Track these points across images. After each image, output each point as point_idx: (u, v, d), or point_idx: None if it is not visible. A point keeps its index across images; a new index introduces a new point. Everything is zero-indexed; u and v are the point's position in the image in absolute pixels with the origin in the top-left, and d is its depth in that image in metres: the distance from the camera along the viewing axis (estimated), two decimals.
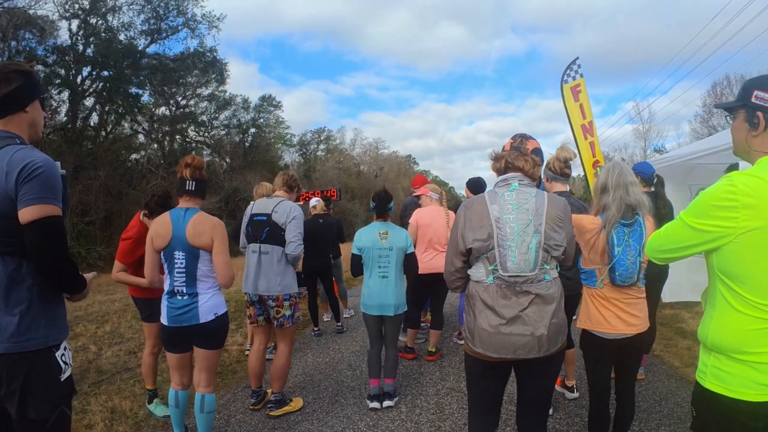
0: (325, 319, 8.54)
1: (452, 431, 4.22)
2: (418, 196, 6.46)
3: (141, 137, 36.43)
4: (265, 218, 4.43)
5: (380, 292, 4.66)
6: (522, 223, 2.45)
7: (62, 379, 2.18)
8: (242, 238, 4.66)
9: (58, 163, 2.20)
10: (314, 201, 7.98)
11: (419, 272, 5.29)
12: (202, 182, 3.61)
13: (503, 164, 2.66)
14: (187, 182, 3.52)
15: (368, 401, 4.74)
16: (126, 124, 34.86)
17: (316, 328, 7.75)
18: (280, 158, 54.01)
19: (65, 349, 2.22)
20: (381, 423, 4.41)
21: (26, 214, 1.97)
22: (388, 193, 4.95)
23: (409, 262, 4.80)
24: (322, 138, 63.51)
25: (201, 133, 42.49)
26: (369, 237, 4.72)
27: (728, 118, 2.01)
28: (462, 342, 6.58)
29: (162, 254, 3.54)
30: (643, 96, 76.34)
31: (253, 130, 47.32)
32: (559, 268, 2.65)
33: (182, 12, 34.39)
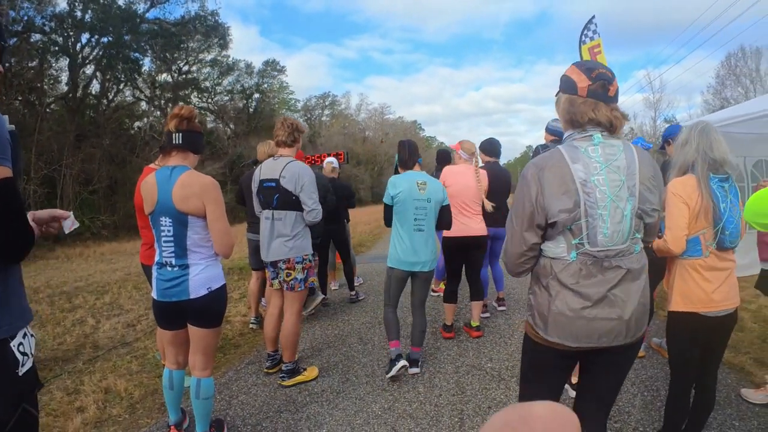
0: (333, 288, 8.19)
1: (476, 414, 3.81)
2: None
3: (143, 104, 35.88)
4: (274, 184, 4.17)
5: (414, 246, 4.34)
6: (614, 185, 1.96)
7: (21, 374, 1.77)
8: (255, 204, 4.45)
9: (6, 118, 1.75)
10: (329, 160, 7.59)
11: (451, 235, 5.09)
12: (193, 134, 3.10)
13: (585, 119, 2.03)
14: (173, 135, 3.03)
15: (391, 365, 4.39)
16: (128, 92, 34.28)
17: (324, 296, 7.38)
18: None
19: (24, 336, 1.80)
20: (397, 405, 4.01)
21: None
22: (415, 144, 4.66)
23: (444, 215, 4.50)
24: (326, 103, 63.04)
25: (204, 99, 41.93)
26: (407, 185, 4.34)
27: None
28: (486, 316, 6.24)
29: (150, 219, 3.14)
30: (656, 64, 75.19)
31: (256, 95, 46.75)
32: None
33: None
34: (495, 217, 5.71)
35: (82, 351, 5.57)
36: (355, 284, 8.09)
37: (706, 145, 2.75)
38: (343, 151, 11.78)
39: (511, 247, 2.11)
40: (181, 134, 3.04)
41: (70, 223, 2.83)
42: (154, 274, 3.15)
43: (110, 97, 32.37)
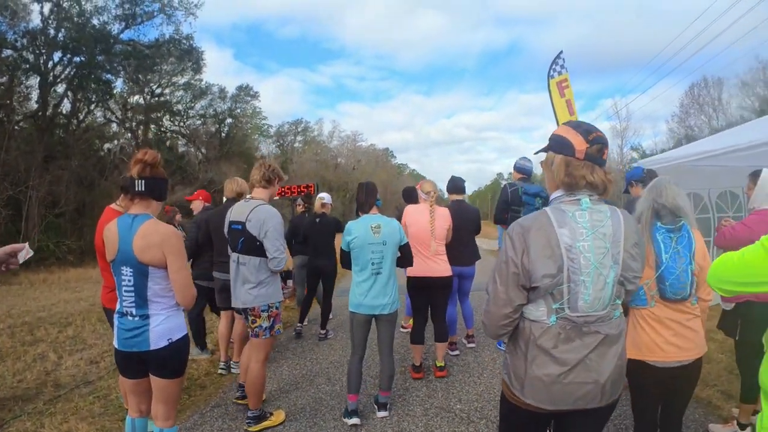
0: (304, 324, 8.11)
1: None
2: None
3: (114, 126, 35.40)
4: (240, 227, 4.13)
5: (374, 289, 4.31)
6: (598, 253, 1.96)
7: None
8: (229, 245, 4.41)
9: None
10: (320, 196, 7.64)
11: (414, 275, 5.14)
12: (156, 181, 3.03)
13: (581, 182, 2.02)
14: (136, 182, 2.96)
15: (345, 418, 4.37)
16: (99, 113, 33.82)
17: (299, 324, 7.56)
18: (256, 149, 53.26)
19: None
20: None
21: None
22: (374, 187, 4.63)
23: (404, 253, 4.51)
24: (299, 129, 62.97)
25: (176, 123, 41.45)
26: (361, 231, 4.33)
27: None
28: (456, 354, 6.24)
29: (111, 267, 3.07)
30: (623, 93, 77.22)
31: (229, 120, 46.41)
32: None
33: None
34: (462, 256, 5.77)
35: (43, 390, 5.40)
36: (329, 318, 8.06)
37: (656, 194, 2.82)
38: (313, 183, 11.79)
39: (494, 308, 2.08)
40: (143, 181, 2.96)
41: (24, 253, 2.78)
42: (116, 322, 3.09)
43: (81, 117, 31.90)
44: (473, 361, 6.07)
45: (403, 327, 7.59)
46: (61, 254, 23.96)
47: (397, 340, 6.69)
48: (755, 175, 3.87)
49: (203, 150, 43.03)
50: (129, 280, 2.94)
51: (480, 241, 6.74)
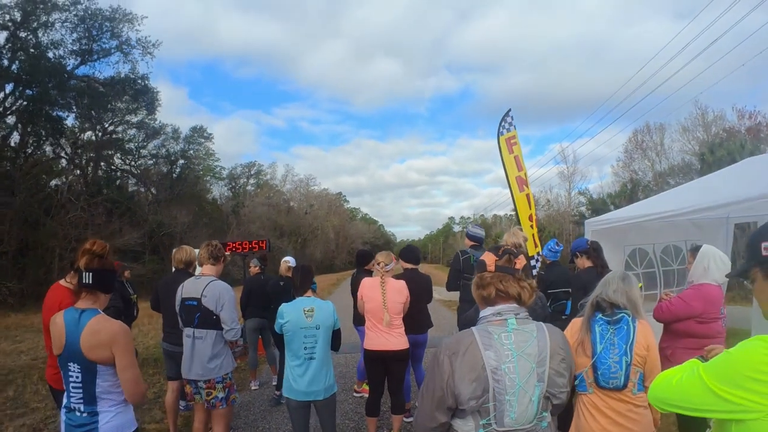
0: (253, 388, 7.73)
1: None
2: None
3: (63, 162, 33.99)
4: (195, 303, 4.35)
5: (308, 374, 4.17)
6: (524, 373, 2.01)
7: None
8: (179, 320, 4.56)
9: None
10: (285, 259, 7.45)
11: (371, 348, 5.08)
12: (104, 273, 2.89)
13: (493, 292, 2.11)
14: (83, 274, 2.80)
15: None
16: (48, 147, 32.47)
17: (276, 393, 6.98)
18: (208, 191, 52.32)
19: None
20: None
21: None
22: (310, 269, 4.56)
23: (335, 340, 4.40)
24: (252, 172, 62.45)
25: (127, 162, 40.46)
26: (294, 315, 4.18)
27: (746, 283, 1.77)
28: (411, 420, 5.97)
29: (58, 360, 2.88)
30: (572, 138, 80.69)
31: (181, 161, 45.62)
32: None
33: (116, 35, 32.89)
34: (414, 324, 5.63)
35: None
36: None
37: (603, 288, 3.04)
38: (264, 239, 11.52)
39: (421, 420, 2.16)
40: (91, 274, 2.82)
41: None
42: (62, 417, 2.92)
43: (28, 150, 30.48)
44: None
45: (356, 391, 7.34)
46: (1, 297, 22.37)
47: (350, 405, 6.80)
48: (695, 250, 4.13)
49: (153, 190, 41.94)
50: (77, 377, 2.80)
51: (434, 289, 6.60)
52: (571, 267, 5.94)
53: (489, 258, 2.17)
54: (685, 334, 3.91)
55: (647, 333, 2.97)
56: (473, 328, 2.09)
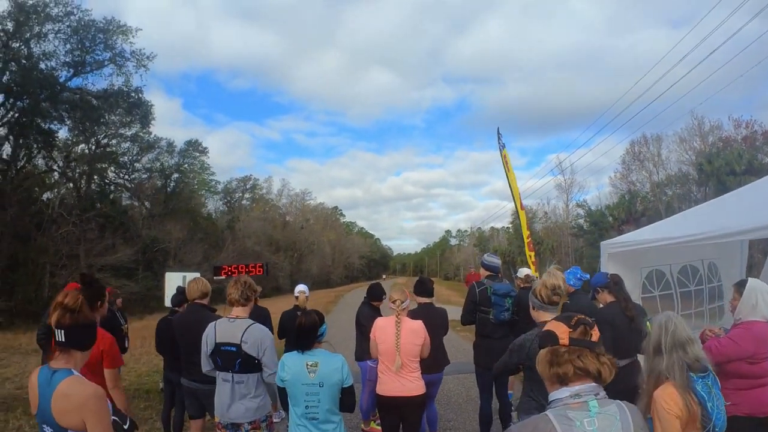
0: (275, 420, 7.23)
1: None
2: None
3: (56, 175, 33.63)
4: (235, 349, 4.16)
5: None
6: None
7: None
8: (206, 362, 4.34)
9: None
10: (301, 289, 7.14)
11: (385, 394, 4.71)
12: (78, 329, 2.60)
13: (571, 371, 1.91)
14: (56, 332, 2.53)
15: None
16: (40, 160, 32.09)
17: None
18: (203, 206, 51.95)
19: None
20: None
21: None
22: (314, 321, 3.89)
23: (344, 400, 3.87)
24: (247, 186, 62.13)
25: (121, 175, 40.16)
26: (295, 368, 3.76)
27: None
28: None
29: (36, 418, 2.64)
30: (570, 148, 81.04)
31: (176, 175, 45.30)
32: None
33: (110, 46, 32.70)
34: (432, 362, 5.19)
35: None
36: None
37: (681, 352, 2.73)
38: (261, 263, 11.38)
39: None
40: (64, 331, 2.55)
41: None
42: None
43: (20, 163, 30.08)
44: None
45: (363, 430, 6.90)
46: None
47: None
48: (740, 285, 3.82)
49: (147, 204, 41.55)
50: None
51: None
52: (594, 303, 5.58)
53: (560, 329, 2.00)
54: (734, 375, 3.58)
55: None
56: (549, 412, 1.88)
